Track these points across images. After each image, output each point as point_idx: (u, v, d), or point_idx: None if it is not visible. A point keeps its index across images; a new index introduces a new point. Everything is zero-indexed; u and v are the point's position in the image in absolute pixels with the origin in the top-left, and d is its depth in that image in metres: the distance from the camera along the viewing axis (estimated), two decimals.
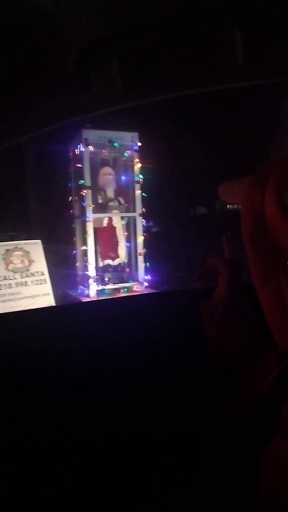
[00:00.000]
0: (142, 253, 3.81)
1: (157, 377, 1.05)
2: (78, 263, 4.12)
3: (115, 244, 3.89)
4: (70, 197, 4.06)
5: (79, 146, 3.68)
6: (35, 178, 3.92)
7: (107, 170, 3.79)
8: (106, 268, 3.86)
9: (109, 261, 3.89)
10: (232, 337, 0.70)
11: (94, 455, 0.99)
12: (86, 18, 0.62)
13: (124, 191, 3.85)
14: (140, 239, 3.80)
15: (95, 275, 3.65)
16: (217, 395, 0.68)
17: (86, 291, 3.73)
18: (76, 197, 4.04)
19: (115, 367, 1.07)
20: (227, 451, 0.58)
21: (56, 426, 0.98)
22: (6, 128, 0.81)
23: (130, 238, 3.88)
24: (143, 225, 3.80)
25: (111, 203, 3.79)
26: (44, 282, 3.27)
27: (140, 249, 3.81)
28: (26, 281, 3.16)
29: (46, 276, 3.30)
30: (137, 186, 3.76)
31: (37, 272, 3.26)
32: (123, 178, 3.84)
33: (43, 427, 0.97)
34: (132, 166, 3.76)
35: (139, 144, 3.74)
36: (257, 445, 0.49)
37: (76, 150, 3.77)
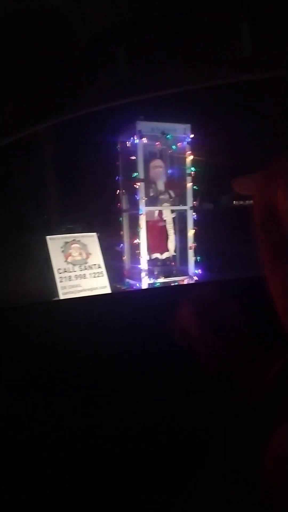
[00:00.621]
0: (193, 247, 3.77)
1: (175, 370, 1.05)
2: (125, 257, 4.10)
3: (164, 238, 3.87)
4: (118, 190, 4.03)
5: (131, 138, 3.65)
6: (82, 171, 3.90)
7: (158, 162, 3.76)
8: (155, 261, 3.83)
9: (157, 255, 3.86)
10: (241, 362, 0.69)
11: (114, 449, 0.99)
12: (92, 9, 0.62)
13: (174, 184, 3.81)
14: (191, 232, 3.77)
15: (146, 268, 3.63)
16: (220, 387, 0.67)
17: (137, 284, 3.71)
18: (124, 190, 4.01)
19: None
20: (230, 444, 0.58)
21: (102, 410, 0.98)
22: (9, 121, 0.80)
23: (181, 231, 3.84)
24: (194, 219, 3.76)
25: (161, 196, 3.76)
26: (101, 275, 3.27)
27: (191, 242, 3.78)
28: (84, 274, 3.16)
29: (103, 269, 3.29)
30: (189, 179, 3.71)
31: (94, 264, 3.25)
32: (174, 171, 3.80)
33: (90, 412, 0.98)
34: (184, 159, 3.72)
35: (192, 136, 3.69)
36: (260, 437, 0.49)
37: (127, 142, 3.74)
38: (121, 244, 4.09)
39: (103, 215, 4.15)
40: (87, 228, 3.53)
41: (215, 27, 0.65)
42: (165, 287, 3.23)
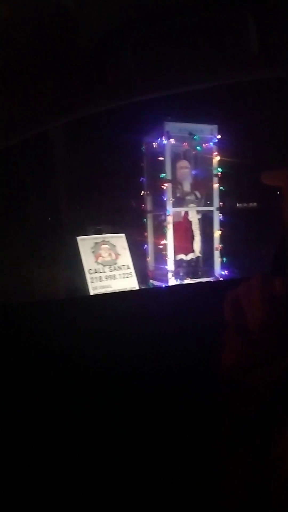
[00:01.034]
0: (219, 248, 3.75)
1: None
2: (149, 258, 4.08)
3: (189, 239, 3.85)
4: (142, 192, 4.03)
5: (157, 139, 3.65)
6: (105, 173, 3.89)
7: (184, 163, 3.75)
8: (179, 262, 3.81)
9: (182, 256, 3.84)
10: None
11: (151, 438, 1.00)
12: (101, 8, 0.61)
13: (200, 185, 3.80)
14: (217, 233, 3.75)
15: (173, 269, 3.61)
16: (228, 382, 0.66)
17: (163, 286, 3.70)
18: (148, 191, 4.01)
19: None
20: (242, 438, 0.58)
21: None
22: (16, 121, 0.80)
23: (206, 232, 3.83)
24: (220, 220, 3.74)
25: (188, 197, 3.75)
26: (130, 275, 3.26)
27: (217, 244, 3.76)
28: (114, 275, 3.15)
29: (132, 270, 3.28)
30: (215, 179, 3.70)
31: (123, 265, 3.24)
32: (200, 171, 3.79)
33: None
34: (210, 159, 3.71)
35: (218, 136, 3.68)
36: (274, 429, 0.50)
37: (153, 143, 3.74)
38: (145, 245, 4.08)
39: (127, 216, 4.14)
40: (112, 229, 3.52)
41: (222, 25, 0.65)
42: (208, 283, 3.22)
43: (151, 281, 4.01)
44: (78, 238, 2.98)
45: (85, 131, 3.71)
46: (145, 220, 4.07)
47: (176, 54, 0.71)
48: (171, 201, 3.55)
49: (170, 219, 3.56)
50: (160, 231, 3.86)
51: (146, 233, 4.07)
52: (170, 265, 3.61)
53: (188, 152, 3.83)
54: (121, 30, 0.66)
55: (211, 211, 3.77)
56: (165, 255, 3.68)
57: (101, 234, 3.18)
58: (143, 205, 4.05)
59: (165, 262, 3.69)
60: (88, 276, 2.91)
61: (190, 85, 0.79)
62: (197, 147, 3.79)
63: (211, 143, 3.72)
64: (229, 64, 0.72)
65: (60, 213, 3.28)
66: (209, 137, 3.71)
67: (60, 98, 0.77)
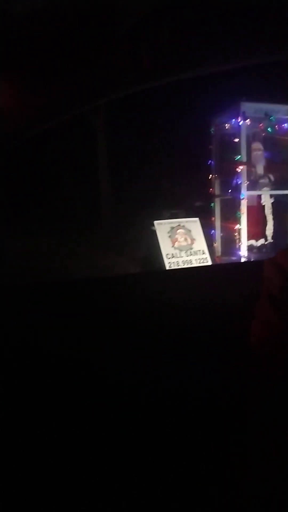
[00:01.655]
0: None
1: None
2: (216, 244, 3.99)
3: (261, 224, 3.73)
4: (210, 175, 3.92)
5: (231, 120, 3.53)
6: (171, 156, 3.81)
7: (258, 145, 3.61)
8: (250, 248, 3.71)
9: (252, 241, 3.73)
10: None
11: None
12: None
13: (274, 168, 3.65)
14: None
15: (246, 255, 3.51)
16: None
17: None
18: (216, 175, 3.90)
19: None
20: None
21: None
22: (49, 107, 0.77)
23: (279, 217, 3.69)
24: None
25: (261, 180, 3.61)
26: (205, 261, 3.19)
27: None
28: (190, 260, 3.09)
29: (207, 255, 3.21)
30: None
31: (199, 250, 3.18)
32: (274, 154, 3.64)
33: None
34: (286, 141, 3.55)
35: None
36: None
37: (226, 124, 3.62)
38: (213, 230, 3.99)
39: (194, 200, 4.07)
40: (186, 213, 3.46)
41: (260, 4, 0.60)
42: None
43: None
44: (156, 222, 2.94)
45: (153, 117, 3.65)
46: (212, 204, 3.97)
47: (212, 34, 0.69)
48: (246, 184, 3.43)
49: (244, 203, 3.45)
50: (229, 216, 3.76)
51: (213, 218, 3.98)
52: (243, 251, 3.51)
53: (262, 133, 3.68)
54: (157, 11, 0.64)
55: (286, 195, 3.62)
56: (235, 241, 3.59)
57: (176, 218, 3.11)
58: (210, 189, 3.96)
59: (234, 248, 3.60)
60: (166, 261, 2.87)
61: (226, 65, 0.78)
62: (271, 129, 3.64)
63: (286, 124, 3.55)
64: (267, 42, 0.69)
65: (135, 198, 3.25)
66: (284, 118, 3.54)
67: (96, 81, 0.77)
